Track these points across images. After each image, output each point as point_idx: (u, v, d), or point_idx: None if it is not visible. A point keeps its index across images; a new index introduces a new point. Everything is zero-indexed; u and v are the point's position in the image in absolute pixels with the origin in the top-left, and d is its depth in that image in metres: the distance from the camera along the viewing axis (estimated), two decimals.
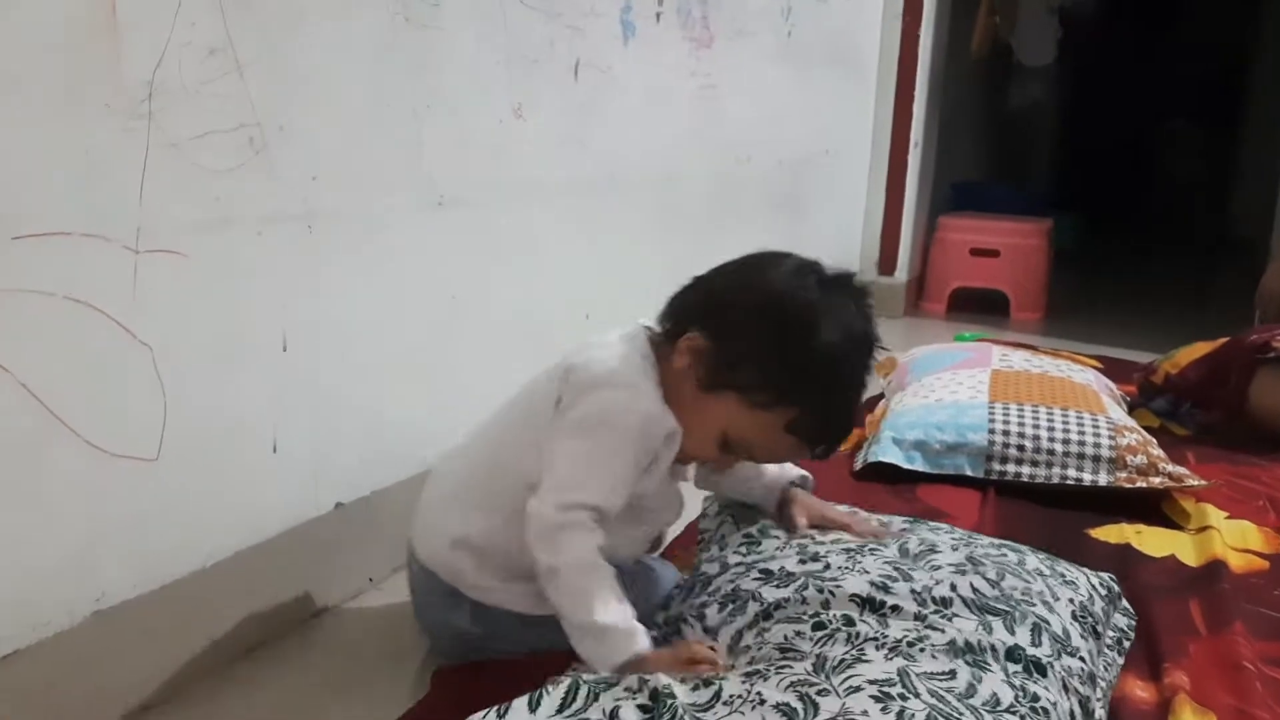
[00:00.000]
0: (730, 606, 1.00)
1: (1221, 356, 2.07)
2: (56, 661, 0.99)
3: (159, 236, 1.02)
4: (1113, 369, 2.34)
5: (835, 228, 3.19)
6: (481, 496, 1.11)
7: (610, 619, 0.96)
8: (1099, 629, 1.09)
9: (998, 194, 4.29)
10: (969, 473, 1.69)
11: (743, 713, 0.80)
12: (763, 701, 0.81)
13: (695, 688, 0.85)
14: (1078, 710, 0.92)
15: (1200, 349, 2.14)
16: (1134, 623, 1.23)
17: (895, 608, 0.94)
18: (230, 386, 1.14)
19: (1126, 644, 1.18)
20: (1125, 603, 1.25)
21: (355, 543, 1.34)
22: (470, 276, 1.47)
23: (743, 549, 1.13)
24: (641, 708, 0.83)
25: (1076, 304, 3.72)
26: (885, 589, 0.97)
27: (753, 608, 0.98)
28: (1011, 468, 1.68)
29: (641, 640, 0.97)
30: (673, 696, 0.83)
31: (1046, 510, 1.61)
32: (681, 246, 2.11)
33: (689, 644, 0.97)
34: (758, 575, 1.04)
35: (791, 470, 1.27)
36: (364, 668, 1.19)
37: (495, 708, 0.86)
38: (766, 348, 1.03)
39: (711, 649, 0.96)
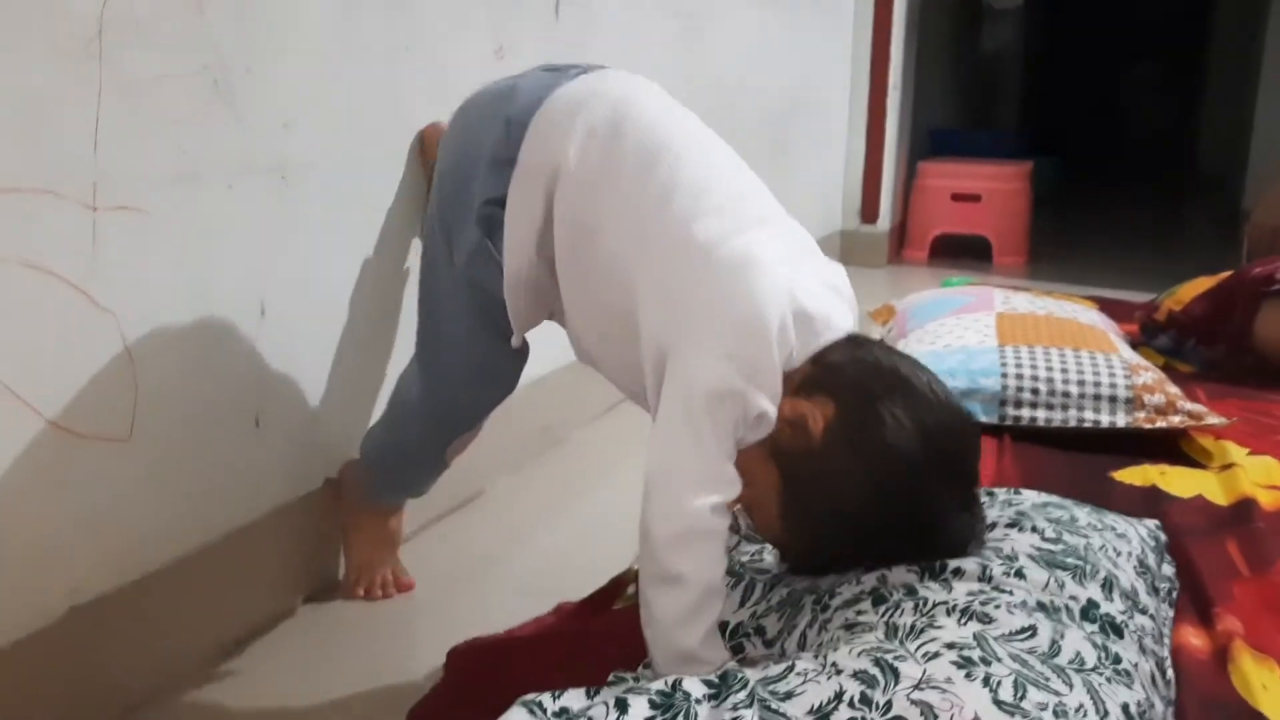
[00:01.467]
0: (788, 611, 0.93)
1: (1225, 291, 2.04)
2: (33, 662, 0.90)
3: (118, 192, 0.92)
4: (1110, 309, 2.28)
5: (818, 177, 3.11)
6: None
7: (712, 656, 0.86)
8: (1157, 584, 1.03)
9: (975, 139, 4.24)
10: (983, 419, 1.63)
11: (818, 682, 0.72)
12: (839, 671, 0.73)
13: (765, 666, 0.78)
14: (1155, 672, 0.86)
15: (1202, 284, 2.10)
16: (1175, 570, 1.17)
17: (958, 571, 0.86)
18: (205, 357, 1.04)
19: (1175, 594, 1.12)
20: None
21: None
22: None
23: None
24: (707, 682, 0.76)
25: (1057, 246, 3.67)
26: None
27: (808, 601, 0.91)
28: (1027, 412, 1.62)
29: None
30: (743, 674, 0.76)
31: (1066, 454, 1.55)
32: None
33: None
34: None
35: None
36: (367, 652, 1.11)
37: (551, 692, 0.78)
38: (840, 525, 0.89)
39: None
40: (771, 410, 0.86)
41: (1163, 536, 1.18)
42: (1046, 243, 3.62)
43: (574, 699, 0.77)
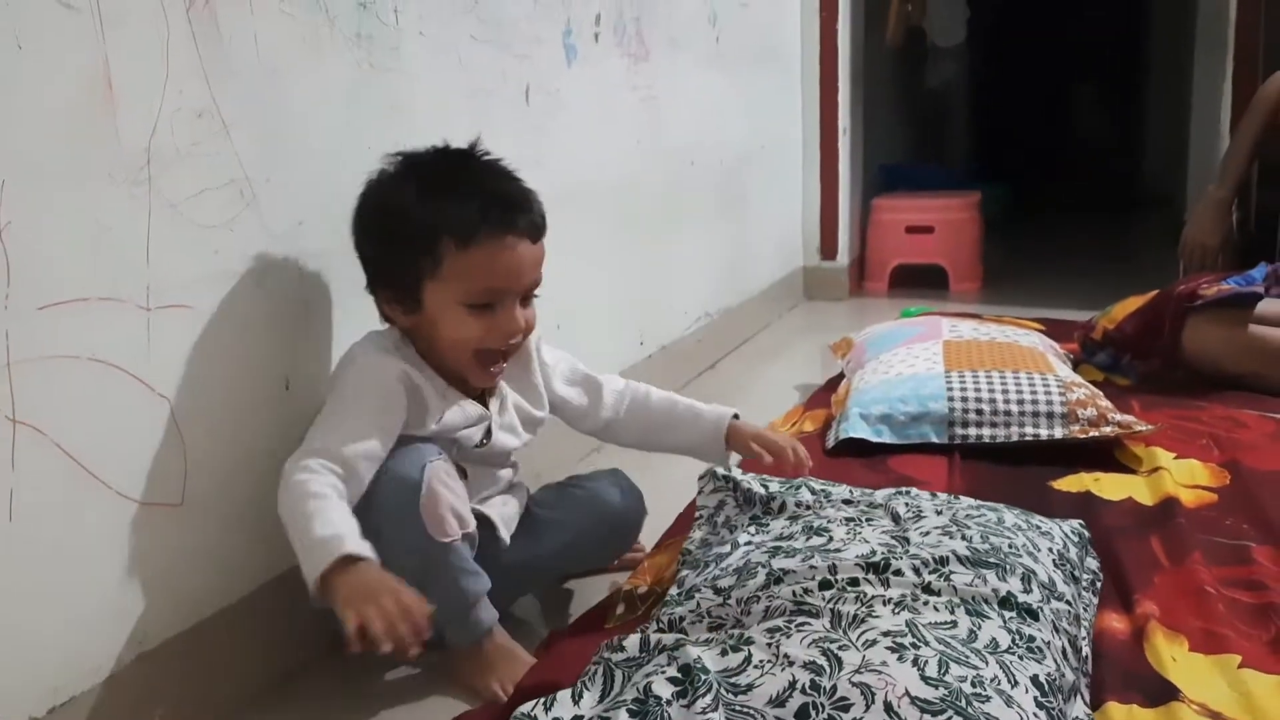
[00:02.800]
0: (742, 575, 1.08)
1: (1154, 308, 2.19)
2: (108, 705, 1.03)
3: (167, 293, 1.07)
4: (1054, 330, 2.46)
5: (778, 220, 3.29)
6: None
7: (321, 532, 1.04)
8: (1076, 574, 1.19)
9: (924, 172, 4.45)
10: (934, 440, 1.79)
11: (774, 674, 0.87)
12: (791, 662, 0.88)
13: (724, 653, 0.92)
14: (1068, 648, 1.01)
15: (1133, 303, 2.27)
16: (1099, 564, 1.32)
17: (897, 571, 1.02)
18: (241, 429, 1.19)
19: (1099, 585, 1.28)
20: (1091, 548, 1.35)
21: None
22: None
23: (751, 528, 1.21)
24: (672, 680, 0.90)
25: (1010, 270, 3.87)
26: (886, 555, 1.05)
27: (762, 573, 1.06)
28: (973, 431, 1.78)
29: (350, 543, 1.03)
30: (704, 669, 0.90)
31: (1010, 468, 1.72)
32: (639, 251, 2.21)
33: None
34: (768, 550, 1.12)
35: (722, 409, 1.40)
36: (391, 688, 1.24)
37: (541, 700, 0.92)
38: (383, 243, 1.19)
39: None
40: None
41: (1086, 533, 1.33)
42: (1000, 267, 3.81)
43: (564, 708, 0.91)
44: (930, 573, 1.02)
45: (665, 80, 2.26)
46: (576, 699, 0.92)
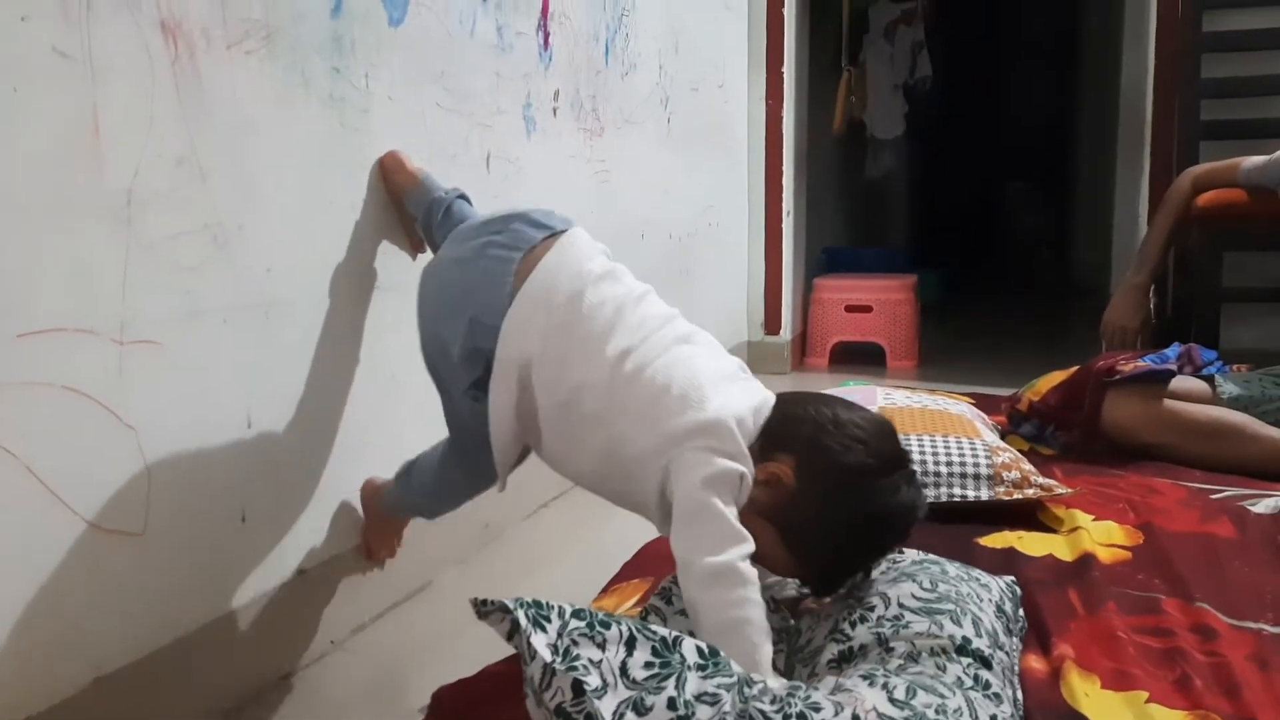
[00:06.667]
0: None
1: (1075, 382, 2.30)
2: None
3: (139, 328, 1.12)
4: (983, 403, 2.56)
5: (724, 295, 3.41)
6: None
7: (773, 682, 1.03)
8: (1011, 627, 1.26)
9: (865, 256, 4.62)
10: None
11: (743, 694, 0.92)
12: (767, 690, 0.93)
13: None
14: (1013, 695, 1.09)
15: (1056, 377, 2.38)
16: (1025, 616, 1.40)
17: (862, 647, 1.09)
18: (203, 463, 1.23)
19: (1024, 631, 1.35)
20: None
21: (317, 607, 1.43)
22: (408, 355, 1.59)
23: None
24: (699, 652, 0.91)
25: (944, 350, 4.02)
26: (849, 637, 1.11)
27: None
28: None
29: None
30: (732, 665, 0.94)
31: (939, 526, 1.79)
32: None
33: None
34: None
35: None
36: (343, 715, 1.27)
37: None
38: (837, 536, 1.12)
39: None
40: (748, 473, 1.11)
41: (1018, 590, 1.41)
42: (935, 347, 3.96)
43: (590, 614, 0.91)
44: (889, 628, 1.09)
45: (618, 156, 2.37)
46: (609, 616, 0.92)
